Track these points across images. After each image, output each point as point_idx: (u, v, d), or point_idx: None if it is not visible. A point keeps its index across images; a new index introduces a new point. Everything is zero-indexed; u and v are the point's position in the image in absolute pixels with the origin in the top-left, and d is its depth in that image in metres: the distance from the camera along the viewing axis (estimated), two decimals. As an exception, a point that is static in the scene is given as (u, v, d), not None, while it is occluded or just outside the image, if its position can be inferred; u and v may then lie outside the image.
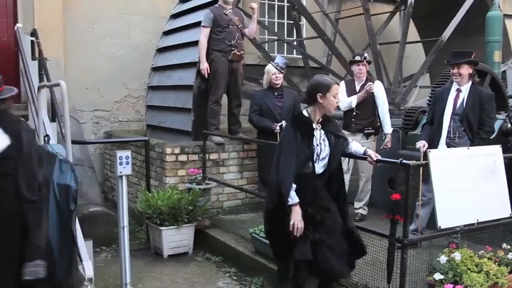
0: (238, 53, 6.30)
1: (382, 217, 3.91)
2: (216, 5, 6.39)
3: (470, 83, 4.87)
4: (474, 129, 4.81)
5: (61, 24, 7.37)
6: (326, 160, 3.60)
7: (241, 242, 5.22)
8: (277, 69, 5.82)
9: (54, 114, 5.81)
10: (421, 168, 3.69)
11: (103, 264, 5.19)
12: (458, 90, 4.88)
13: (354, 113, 5.79)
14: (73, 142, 4.27)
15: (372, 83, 5.80)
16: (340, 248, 3.55)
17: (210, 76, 6.32)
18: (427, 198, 4.86)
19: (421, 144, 4.79)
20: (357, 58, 5.87)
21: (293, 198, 3.43)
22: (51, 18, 7.20)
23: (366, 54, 5.99)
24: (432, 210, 3.82)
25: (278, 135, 5.74)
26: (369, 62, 5.94)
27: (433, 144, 4.87)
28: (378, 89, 5.86)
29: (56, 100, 5.63)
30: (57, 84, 4.04)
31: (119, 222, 4.32)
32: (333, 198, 3.63)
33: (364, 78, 5.88)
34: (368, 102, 5.80)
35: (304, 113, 3.66)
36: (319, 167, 3.58)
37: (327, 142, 3.62)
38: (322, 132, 3.63)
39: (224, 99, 6.57)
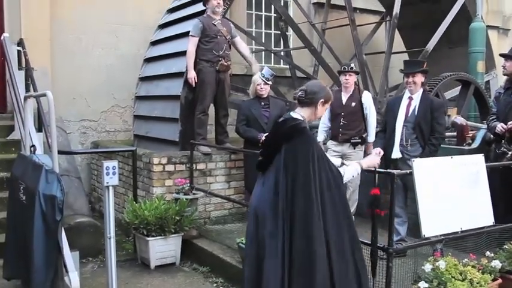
0: (225, 63, 6.34)
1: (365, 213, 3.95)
2: (205, 15, 6.43)
3: (421, 91, 5.03)
4: (426, 136, 4.95)
5: (48, 34, 7.36)
6: None
7: (228, 252, 5.22)
8: (263, 80, 5.87)
9: (40, 125, 5.79)
10: (394, 179, 3.66)
11: (89, 275, 5.16)
12: (410, 99, 5.03)
13: (341, 123, 5.83)
14: (59, 152, 4.26)
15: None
16: None
17: (197, 86, 6.34)
18: (401, 219, 4.95)
19: (377, 151, 4.84)
20: (345, 68, 5.93)
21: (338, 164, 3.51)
22: (38, 27, 7.18)
23: (352, 65, 6.05)
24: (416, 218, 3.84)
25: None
26: (356, 73, 5.99)
27: (387, 152, 5.02)
28: (367, 99, 5.90)
29: (42, 110, 5.61)
30: (44, 95, 4.04)
31: (105, 232, 4.30)
32: None
33: (352, 89, 5.92)
34: (356, 112, 5.85)
35: (296, 115, 3.43)
36: None
37: None
38: None
39: (211, 109, 6.59)
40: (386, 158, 5.05)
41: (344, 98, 5.91)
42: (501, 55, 5.48)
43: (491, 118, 5.31)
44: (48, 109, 3.98)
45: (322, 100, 3.45)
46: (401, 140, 4.99)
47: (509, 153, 5.03)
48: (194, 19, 6.52)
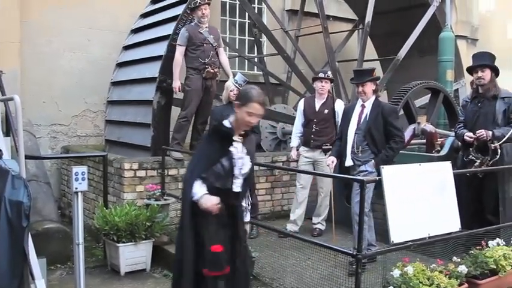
0: (212, 70, 6.35)
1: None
2: (192, 24, 6.43)
3: (373, 98, 5.01)
4: (378, 142, 4.88)
5: (18, 36, 7.23)
6: (243, 179, 3.44)
7: (200, 258, 5.20)
8: (236, 86, 5.89)
9: (8, 129, 5.68)
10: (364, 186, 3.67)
11: (57, 282, 5.06)
12: (363, 106, 5.03)
13: (313, 130, 5.89)
14: (27, 157, 4.19)
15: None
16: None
17: (184, 92, 6.37)
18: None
19: (330, 162, 5.10)
20: (320, 75, 5.99)
21: (198, 192, 3.25)
22: (7, 30, 7.05)
23: (329, 72, 6.10)
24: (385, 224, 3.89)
25: None
26: (331, 80, 6.04)
27: (342, 160, 5.04)
28: (340, 107, 5.95)
29: (10, 114, 5.51)
30: (11, 98, 3.98)
31: (74, 239, 4.24)
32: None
33: (326, 96, 5.98)
34: (328, 119, 5.91)
35: (226, 123, 3.41)
36: (237, 185, 3.40)
37: (247, 159, 3.43)
38: (245, 147, 3.43)
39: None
40: (341, 166, 5.07)
41: (317, 104, 5.96)
42: (474, 66, 5.26)
43: (458, 126, 5.41)
44: (16, 113, 3.91)
45: (237, 102, 3.37)
46: (353, 146, 4.96)
47: (477, 161, 5.11)
48: (171, 23, 6.56)
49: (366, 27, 8.17)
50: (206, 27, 6.37)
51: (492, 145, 5.01)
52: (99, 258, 5.81)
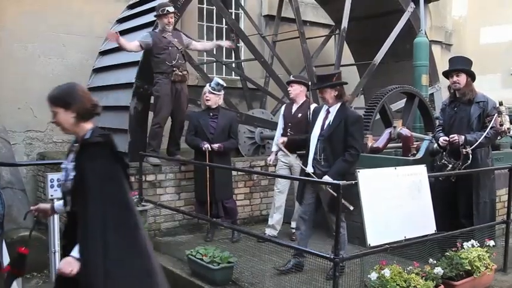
0: (180, 73, 6.30)
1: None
2: (156, 30, 6.41)
3: (339, 104, 4.73)
4: (337, 152, 4.62)
5: (-8, 42, 7.15)
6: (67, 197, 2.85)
7: (178, 264, 5.18)
8: (209, 89, 5.91)
9: (-18, 136, 5.60)
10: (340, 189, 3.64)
11: (33, 291, 5.01)
12: (328, 111, 4.78)
13: (288, 134, 5.91)
14: (1, 164, 4.16)
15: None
16: None
17: (154, 98, 6.32)
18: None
19: (280, 141, 5.24)
20: (291, 78, 6.06)
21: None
22: (-19, 35, 6.97)
23: (293, 77, 6.11)
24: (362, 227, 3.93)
25: (207, 154, 5.82)
26: (305, 84, 6.06)
27: (305, 163, 4.82)
28: None
29: (-16, 121, 5.43)
30: (-15, 105, 3.92)
31: (50, 246, 4.20)
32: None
33: (302, 101, 6.00)
34: (302, 123, 5.94)
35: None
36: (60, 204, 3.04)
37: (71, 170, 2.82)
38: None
39: (168, 121, 6.54)
40: (302, 170, 4.90)
41: (293, 109, 6.01)
42: (449, 70, 5.32)
43: (437, 130, 5.47)
44: (-10, 120, 3.86)
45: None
46: (315, 153, 4.72)
47: (450, 165, 5.19)
48: (144, 31, 6.48)
49: (342, 33, 8.26)
50: (169, 32, 6.37)
51: (464, 150, 5.05)
52: (76, 265, 5.74)
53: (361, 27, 9.31)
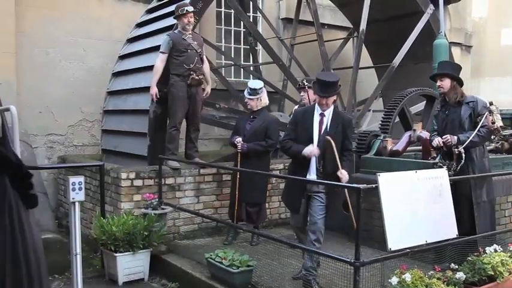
0: (196, 77, 6.33)
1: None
2: (175, 31, 6.44)
3: (332, 108, 4.75)
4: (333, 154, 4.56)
5: (13, 47, 7.24)
6: None
7: (198, 268, 5.19)
8: (246, 96, 6.05)
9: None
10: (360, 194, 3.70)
11: (55, 293, 5.06)
12: (322, 115, 4.71)
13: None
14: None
15: None
16: None
17: (169, 101, 6.33)
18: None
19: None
20: (299, 85, 6.08)
21: None
22: (3, 41, 7.05)
23: (304, 81, 6.08)
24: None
25: (239, 155, 5.85)
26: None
27: (302, 171, 4.71)
28: None
29: (6, 124, 5.48)
30: (7, 109, 3.96)
31: (71, 249, 4.23)
32: None
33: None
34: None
35: None
36: None
37: None
38: None
39: (183, 124, 6.56)
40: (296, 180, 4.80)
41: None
42: (433, 76, 5.45)
43: (432, 135, 5.46)
44: (12, 124, 3.90)
45: None
46: (318, 162, 4.63)
47: (444, 167, 5.12)
48: (164, 34, 6.52)
49: (361, 35, 8.22)
50: (190, 34, 6.40)
51: (456, 150, 5.00)
52: (96, 268, 5.80)
53: (379, 29, 9.24)
